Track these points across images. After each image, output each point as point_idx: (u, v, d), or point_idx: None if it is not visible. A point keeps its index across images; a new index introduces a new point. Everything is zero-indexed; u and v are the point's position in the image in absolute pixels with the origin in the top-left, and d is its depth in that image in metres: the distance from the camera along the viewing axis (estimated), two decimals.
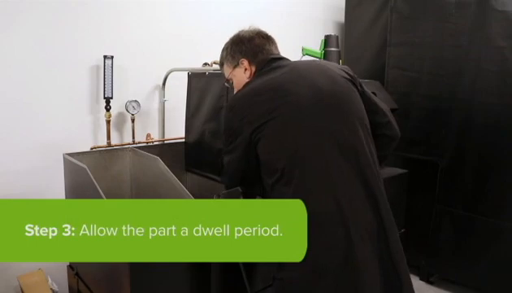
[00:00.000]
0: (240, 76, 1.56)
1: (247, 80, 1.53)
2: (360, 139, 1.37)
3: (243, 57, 1.54)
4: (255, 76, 1.50)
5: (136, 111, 2.72)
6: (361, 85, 1.51)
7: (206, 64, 2.60)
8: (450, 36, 2.82)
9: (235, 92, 1.59)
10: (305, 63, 1.56)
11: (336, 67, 1.51)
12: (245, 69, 1.54)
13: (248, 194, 1.46)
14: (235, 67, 1.57)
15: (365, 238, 1.29)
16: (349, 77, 1.48)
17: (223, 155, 1.51)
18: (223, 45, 1.66)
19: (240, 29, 1.62)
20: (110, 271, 1.70)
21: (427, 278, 3.08)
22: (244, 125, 1.37)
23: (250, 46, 1.54)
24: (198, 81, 2.24)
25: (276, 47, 1.59)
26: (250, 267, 1.58)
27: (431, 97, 2.94)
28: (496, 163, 2.67)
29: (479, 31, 2.68)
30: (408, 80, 3.04)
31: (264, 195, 1.44)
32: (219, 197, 1.53)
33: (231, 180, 1.51)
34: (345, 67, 1.56)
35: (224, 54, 1.62)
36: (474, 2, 2.70)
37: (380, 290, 1.30)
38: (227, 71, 1.62)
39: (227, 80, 1.64)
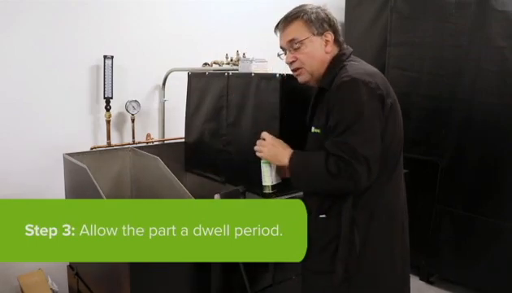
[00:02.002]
0: (318, 46, 1.45)
1: (324, 53, 1.45)
2: None
3: (331, 31, 1.46)
4: (347, 59, 1.45)
5: (136, 111, 2.72)
6: None
7: (206, 64, 2.60)
8: (450, 36, 2.82)
9: (300, 58, 1.45)
10: None
11: None
12: (326, 43, 1.45)
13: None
14: (317, 34, 1.44)
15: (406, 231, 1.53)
16: None
17: (350, 139, 1.29)
18: (297, 7, 1.48)
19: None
20: (110, 271, 1.70)
21: (427, 278, 3.08)
22: (382, 106, 1.34)
23: (338, 27, 1.49)
24: (198, 81, 2.24)
25: None
26: (250, 267, 1.58)
27: (431, 97, 2.94)
28: (496, 163, 2.67)
29: (479, 31, 2.68)
30: (408, 80, 3.04)
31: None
32: (220, 197, 1.53)
33: (374, 166, 1.31)
34: None
35: (312, 15, 1.44)
36: (474, 2, 2.70)
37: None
38: (302, 32, 1.44)
39: (292, 42, 1.45)
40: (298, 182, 1.44)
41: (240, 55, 2.58)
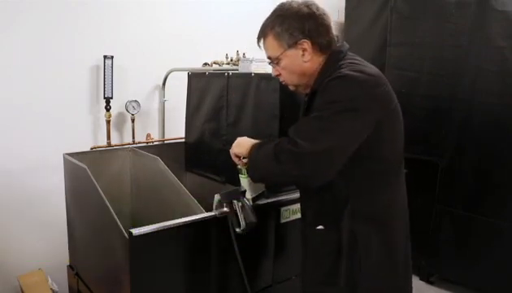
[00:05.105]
0: (296, 58, 1.34)
1: (303, 63, 1.34)
2: None
3: (304, 38, 1.32)
4: (345, 58, 1.34)
5: (136, 111, 2.72)
6: None
7: (206, 64, 2.60)
8: (450, 36, 2.82)
9: (281, 73, 1.39)
10: None
11: None
12: (304, 52, 1.33)
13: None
14: (290, 47, 1.33)
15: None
16: None
17: (312, 123, 1.24)
18: (269, 16, 1.39)
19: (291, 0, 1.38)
20: (110, 271, 1.70)
21: (427, 278, 3.08)
22: (374, 106, 1.25)
23: (315, 25, 1.33)
24: (198, 81, 2.24)
25: None
26: (250, 267, 1.58)
27: (431, 97, 2.94)
28: (496, 163, 2.67)
29: (479, 31, 2.68)
30: (408, 80, 3.04)
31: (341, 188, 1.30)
32: (220, 197, 1.53)
33: (335, 160, 1.22)
34: None
35: (278, 29, 1.34)
36: (474, 2, 2.69)
37: None
38: (276, 49, 1.36)
39: (272, 59, 1.39)
40: (254, 170, 1.37)
41: (240, 55, 2.57)
